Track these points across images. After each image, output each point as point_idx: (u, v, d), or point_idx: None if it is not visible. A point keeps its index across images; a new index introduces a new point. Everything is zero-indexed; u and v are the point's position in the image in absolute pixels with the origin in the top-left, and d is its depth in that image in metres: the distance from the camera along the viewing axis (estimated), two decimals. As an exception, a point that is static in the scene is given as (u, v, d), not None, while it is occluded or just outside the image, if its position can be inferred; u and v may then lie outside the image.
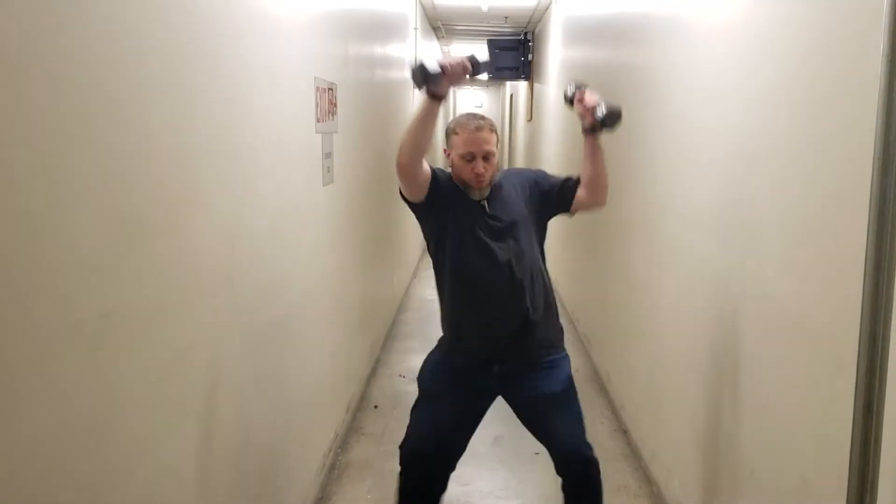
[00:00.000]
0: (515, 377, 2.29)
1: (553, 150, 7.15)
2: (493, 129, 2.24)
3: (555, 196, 2.35)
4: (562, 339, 2.38)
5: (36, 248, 1.10)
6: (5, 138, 1.03)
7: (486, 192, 2.26)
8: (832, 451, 1.56)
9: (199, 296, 1.71)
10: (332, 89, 3.21)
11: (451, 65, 1.99)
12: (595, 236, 4.75)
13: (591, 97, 2.25)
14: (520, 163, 12.39)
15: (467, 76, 2.03)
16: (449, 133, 2.28)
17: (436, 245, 2.29)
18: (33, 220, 1.09)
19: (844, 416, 1.42)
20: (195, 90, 1.68)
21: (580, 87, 2.29)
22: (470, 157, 2.20)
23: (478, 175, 2.21)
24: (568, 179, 2.35)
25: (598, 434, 3.66)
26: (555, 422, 2.31)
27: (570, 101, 2.31)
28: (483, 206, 2.24)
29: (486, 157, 2.21)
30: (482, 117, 2.27)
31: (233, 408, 1.97)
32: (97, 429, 1.26)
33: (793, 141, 1.86)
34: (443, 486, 2.41)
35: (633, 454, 3.41)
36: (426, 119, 2.05)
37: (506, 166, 15.91)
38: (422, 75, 1.97)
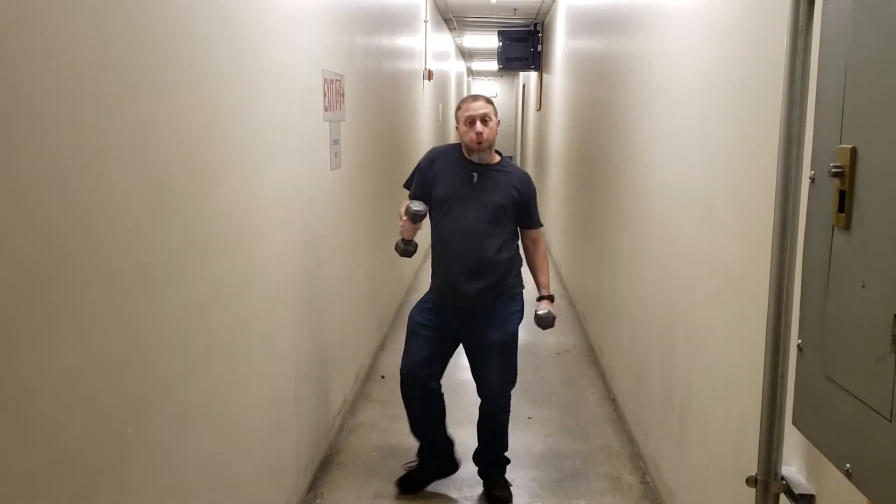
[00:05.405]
0: (471, 327, 2.88)
1: (559, 136, 7.37)
2: (488, 101, 2.85)
3: (522, 217, 2.91)
4: (516, 293, 2.91)
5: (81, 211, 1.36)
6: (60, 123, 1.30)
7: (485, 156, 2.82)
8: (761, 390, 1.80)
9: (216, 256, 1.98)
10: (339, 80, 3.47)
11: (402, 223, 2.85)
12: (591, 221, 4.98)
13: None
14: (530, 151, 12.58)
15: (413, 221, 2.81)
16: (456, 111, 2.87)
17: (432, 207, 2.88)
18: (80, 186, 1.36)
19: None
20: (216, 77, 1.95)
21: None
22: (470, 121, 2.76)
23: (478, 134, 2.75)
24: (533, 221, 2.93)
25: (588, 401, 3.93)
26: (488, 367, 2.90)
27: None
28: (472, 176, 2.81)
29: (484, 119, 2.76)
30: (480, 95, 2.89)
31: (245, 361, 2.25)
32: (132, 361, 1.54)
33: (741, 123, 2.10)
34: (439, 401, 2.96)
35: (619, 419, 3.67)
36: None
37: (518, 156, 16.05)
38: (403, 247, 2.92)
